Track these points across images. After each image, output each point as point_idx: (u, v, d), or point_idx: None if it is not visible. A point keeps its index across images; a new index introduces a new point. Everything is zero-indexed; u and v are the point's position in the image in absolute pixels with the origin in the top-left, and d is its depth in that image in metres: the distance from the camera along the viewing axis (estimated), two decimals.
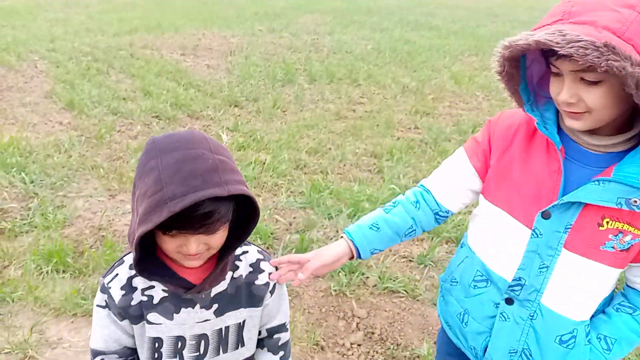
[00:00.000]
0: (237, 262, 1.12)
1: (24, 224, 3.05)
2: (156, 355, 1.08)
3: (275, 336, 1.23)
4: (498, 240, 1.18)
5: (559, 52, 0.85)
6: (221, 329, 1.11)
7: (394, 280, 2.69)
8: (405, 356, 2.28)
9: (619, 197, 0.97)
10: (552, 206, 1.04)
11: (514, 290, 1.14)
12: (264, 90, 5.99)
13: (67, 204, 3.31)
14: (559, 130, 1.09)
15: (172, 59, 7.25)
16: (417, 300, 2.60)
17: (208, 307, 1.08)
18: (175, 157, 0.89)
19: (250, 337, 1.16)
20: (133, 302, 1.04)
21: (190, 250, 0.94)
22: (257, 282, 1.13)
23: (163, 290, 1.05)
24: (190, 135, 0.94)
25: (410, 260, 2.91)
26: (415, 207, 1.31)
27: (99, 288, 1.07)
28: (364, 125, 4.93)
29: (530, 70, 1.07)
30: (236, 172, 0.94)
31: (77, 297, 2.48)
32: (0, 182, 3.45)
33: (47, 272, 2.65)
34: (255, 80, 6.27)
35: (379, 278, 2.71)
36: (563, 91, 0.95)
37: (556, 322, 1.12)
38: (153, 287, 1.05)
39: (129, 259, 1.06)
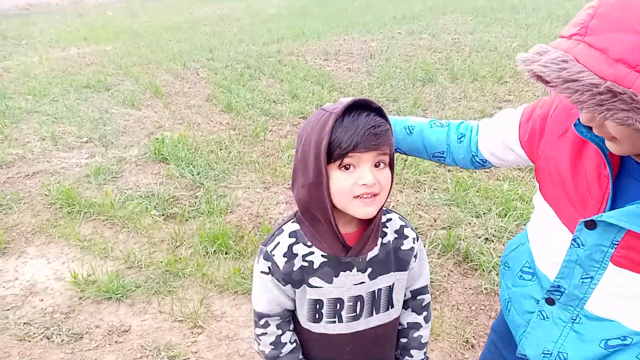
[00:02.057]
0: (384, 229, 1.16)
1: (192, 210, 3.43)
2: (317, 316, 1.15)
3: (419, 297, 1.28)
4: (546, 237, 1.07)
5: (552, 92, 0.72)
6: (374, 291, 1.15)
7: None
8: None
9: None
10: (595, 219, 0.89)
11: (553, 294, 1.04)
12: (404, 90, 5.99)
13: (229, 193, 3.64)
14: None
15: (315, 64, 7.58)
16: None
17: (364, 271, 1.12)
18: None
19: (398, 298, 1.20)
20: (295, 268, 1.10)
21: (366, 178, 0.97)
22: (402, 248, 1.17)
23: (322, 255, 1.10)
24: None
25: None
26: (459, 139, 1.25)
27: (260, 256, 1.14)
28: None
29: None
30: None
31: (237, 276, 2.72)
32: (173, 173, 3.91)
33: (212, 253, 2.94)
34: (395, 81, 6.30)
35: None
36: (582, 113, 0.82)
37: (603, 326, 0.99)
38: (313, 253, 1.10)
39: (288, 227, 1.13)
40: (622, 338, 0.98)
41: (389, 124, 1.03)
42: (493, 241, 2.90)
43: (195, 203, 3.52)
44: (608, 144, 0.84)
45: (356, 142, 0.95)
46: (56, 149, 4.50)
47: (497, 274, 2.59)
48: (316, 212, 1.04)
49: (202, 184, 3.75)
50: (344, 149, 0.96)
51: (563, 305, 1.04)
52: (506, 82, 6.08)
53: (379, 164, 1.01)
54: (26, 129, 4.98)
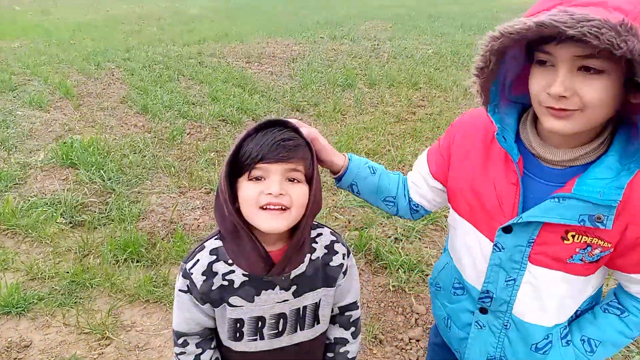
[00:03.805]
0: (313, 244, 1.14)
1: (102, 217, 3.29)
2: (237, 335, 1.13)
3: (347, 313, 1.27)
4: (467, 251, 1.14)
5: (568, 33, 0.72)
6: (299, 308, 1.14)
7: None
8: None
9: (581, 214, 0.89)
10: (514, 222, 0.98)
11: (484, 301, 1.12)
12: (324, 94, 6.10)
13: (141, 199, 3.54)
14: (517, 139, 1.00)
15: (238, 66, 7.53)
16: None
17: (287, 289, 1.10)
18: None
19: (325, 314, 1.20)
20: (214, 287, 1.07)
21: (272, 187, 0.97)
22: (331, 264, 1.15)
23: (243, 274, 1.07)
24: None
25: None
26: (404, 189, 1.32)
27: (180, 273, 1.11)
28: (424, 128, 4.91)
29: (504, 67, 0.94)
30: None
31: (149, 284, 2.65)
32: (82, 178, 3.73)
33: (122, 261, 2.85)
34: (316, 86, 6.40)
35: None
36: (557, 83, 0.82)
37: (529, 331, 1.08)
38: (233, 271, 1.08)
39: (210, 244, 1.11)
40: (546, 337, 1.07)
41: (306, 142, 1.04)
42: (402, 240, 3.03)
43: (106, 210, 3.38)
44: (553, 123, 0.85)
45: (264, 153, 0.97)
46: None
47: (404, 272, 2.72)
48: (230, 226, 1.03)
49: (114, 189, 3.62)
50: (252, 160, 0.97)
51: (494, 312, 1.11)
52: (420, 87, 6.36)
53: (293, 180, 1.01)
54: None
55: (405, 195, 1.31)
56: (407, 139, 4.67)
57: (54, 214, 3.25)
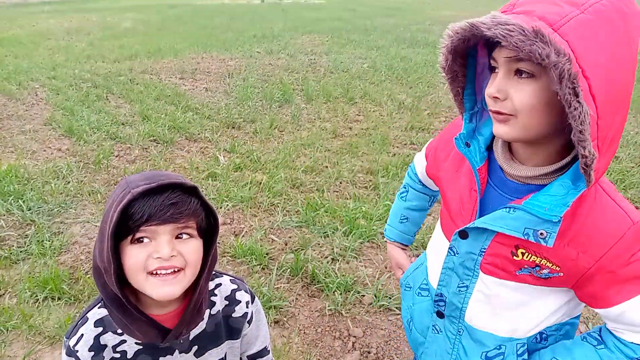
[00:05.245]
0: (212, 298, 1.07)
1: (21, 252, 3.06)
2: None
3: None
4: (434, 251, 1.19)
5: (485, 34, 0.78)
6: None
7: (390, 298, 2.67)
8: None
9: (526, 227, 0.89)
10: (467, 227, 1.00)
11: (439, 304, 1.14)
12: (261, 111, 6.03)
13: (64, 230, 3.32)
14: (490, 152, 1.03)
15: (171, 83, 7.33)
16: None
17: (188, 351, 1.03)
18: (144, 175, 0.93)
19: None
20: None
21: (162, 251, 0.88)
22: (234, 315, 1.09)
23: (136, 343, 0.99)
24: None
25: None
26: (420, 184, 1.45)
27: (63, 350, 1.00)
28: (360, 143, 4.95)
29: (482, 77, 0.99)
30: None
31: (71, 324, 2.47)
32: None
33: (42, 300, 2.65)
34: (252, 102, 6.32)
35: (375, 296, 2.69)
36: (491, 84, 0.86)
37: (481, 338, 1.08)
38: (125, 341, 0.98)
39: (94, 314, 1.00)
40: (498, 347, 1.06)
41: (204, 201, 0.95)
42: (338, 260, 3.01)
43: (25, 243, 3.15)
44: (497, 127, 0.89)
45: (149, 214, 0.86)
46: None
47: (340, 294, 2.69)
48: (113, 295, 0.92)
49: (34, 220, 3.38)
50: (136, 221, 0.86)
51: (449, 317, 1.12)
52: (356, 102, 6.43)
53: (182, 236, 0.92)
54: None
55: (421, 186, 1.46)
56: (344, 155, 4.68)
57: None
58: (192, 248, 0.93)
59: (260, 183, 4.05)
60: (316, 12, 17.98)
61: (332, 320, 2.56)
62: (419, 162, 1.39)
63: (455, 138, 1.01)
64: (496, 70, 0.87)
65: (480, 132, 1.03)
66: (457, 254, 1.04)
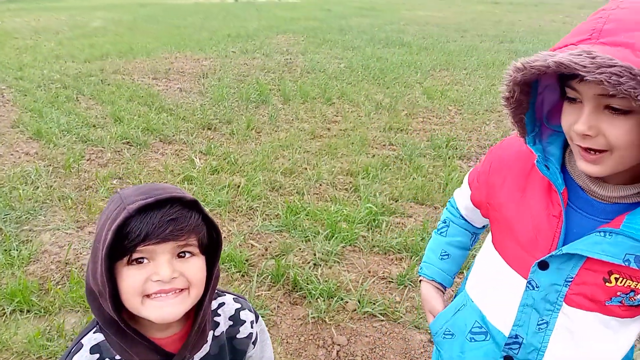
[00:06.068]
0: (216, 318, 1.01)
1: None
2: None
3: None
4: (496, 289, 1.06)
5: (586, 79, 0.69)
6: None
7: (374, 304, 2.62)
8: None
9: (627, 253, 0.83)
10: (550, 256, 0.90)
11: (511, 348, 1.01)
12: (237, 111, 5.93)
13: (33, 238, 3.17)
14: (563, 169, 0.94)
15: (143, 83, 7.15)
16: (398, 323, 2.53)
17: None
18: (139, 189, 0.86)
19: None
20: None
21: (162, 272, 0.81)
22: (239, 336, 1.04)
23: None
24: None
25: (389, 282, 2.85)
26: (463, 219, 1.33)
27: None
28: (339, 144, 4.90)
29: (541, 97, 0.91)
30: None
31: (41, 338, 2.35)
32: None
33: (9, 313, 2.52)
34: (228, 102, 6.21)
35: (359, 302, 2.63)
36: (580, 120, 0.79)
37: None
38: None
39: (89, 340, 0.92)
40: None
41: (205, 215, 0.89)
42: (320, 265, 2.94)
43: None
44: (585, 166, 0.83)
45: (147, 232, 0.79)
46: None
47: (323, 301, 2.62)
48: (110, 319, 0.85)
49: (0, 228, 3.22)
50: (132, 241, 0.79)
51: None
52: (334, 102, 6.38)
53: (184, 254, 0.85)
54: None
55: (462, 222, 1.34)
56: (323, 156, 4.62)
57: None
58: (195, 267, 0.87)
59: (238, 186, 3.95)
60: (290, 11, 17.86)
61: (316, 328, 2.50)
62: (461, 195, 1.29)
63: (537, 162, 0.92)
64: (577, 101, 0.81)
65: (550, 153, 0.94)
66: (538, 287, 0.94)
